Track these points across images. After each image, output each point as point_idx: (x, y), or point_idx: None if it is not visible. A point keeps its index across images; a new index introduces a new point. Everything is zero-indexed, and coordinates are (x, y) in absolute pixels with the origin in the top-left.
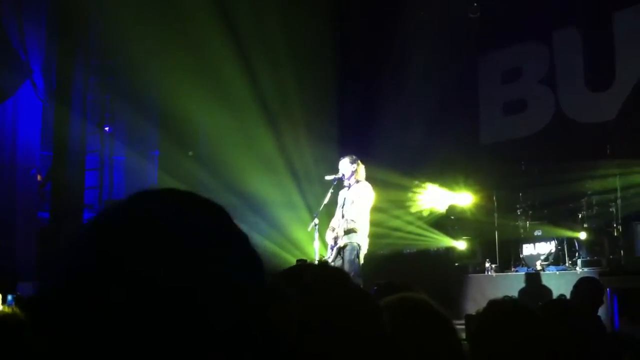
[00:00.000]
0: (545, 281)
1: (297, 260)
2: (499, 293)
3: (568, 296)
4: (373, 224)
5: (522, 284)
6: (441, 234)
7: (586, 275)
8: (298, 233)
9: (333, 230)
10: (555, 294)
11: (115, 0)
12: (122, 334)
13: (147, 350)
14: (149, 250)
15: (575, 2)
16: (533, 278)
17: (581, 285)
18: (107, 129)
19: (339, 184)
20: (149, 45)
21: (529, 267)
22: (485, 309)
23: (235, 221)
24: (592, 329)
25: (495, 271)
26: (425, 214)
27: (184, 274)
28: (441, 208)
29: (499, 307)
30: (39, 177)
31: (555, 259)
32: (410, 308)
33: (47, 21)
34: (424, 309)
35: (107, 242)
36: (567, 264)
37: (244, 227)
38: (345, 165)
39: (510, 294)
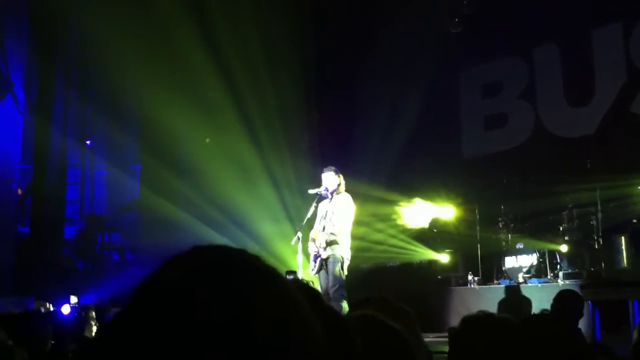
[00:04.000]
0: (527, 293)
1: (286, 272)
2: (481, 305)
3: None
4: (356, 237)
5: (504, 297)
6: (424, 247)
7: (568, 287)
8: (281, 246)
9: (314, 241)
10: (537, 306)
11: (95, 14)
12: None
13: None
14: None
15: (554, 19)
16: (513, 290)
17: (560, 297)
18: (88, 142)
19: (321, 197)
20: (129, 58)
21: (511, 280)
22: (460, 324)
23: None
24: (572, 342)
25: (478, 284)
26: (407, 227)
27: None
28: (424, 221)
29: (474, 323)
30: (19, 191)
31: (537, 272)
32: (364, 326)
33: (28, 34)
34: (379, 327)
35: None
36: (549, 276)
37: (228, 242)
38: (331, 179)
39: (492, 306)
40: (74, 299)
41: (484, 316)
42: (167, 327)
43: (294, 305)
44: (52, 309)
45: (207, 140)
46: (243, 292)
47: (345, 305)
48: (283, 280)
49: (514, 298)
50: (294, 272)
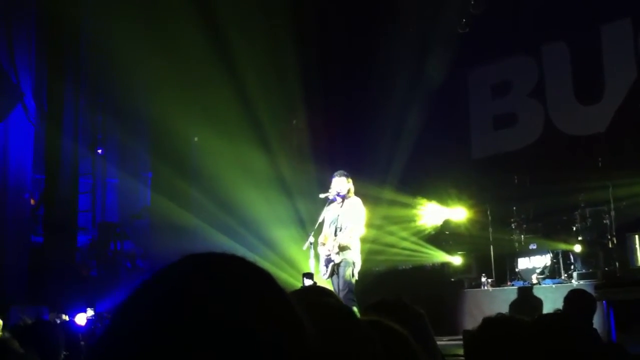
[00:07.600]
0: (542, 294)
1: (303, 275)
2: (495, 307)
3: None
4: (368, 240)
5: (518, 298)
6: (436, 249)
7: (582, 287)
8: (293, 251)
9: (323, 245)
10: (552, 307)
11: (105, 23)
12: None
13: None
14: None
15: (562, 16)
16: (527, 291)
17: (570, 298)
18: (99, 151)
19: (331, 200)
20: (139, 66)
21: (525, 281)
22: (479, 327)
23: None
24: (587, 342)
25: (492, 285)
26: (419, 229)
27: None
28: (436, 223)
29: (493, 326)
30: (32, 201)
31: (551, 272)
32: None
33: (38, 44)
34: (387, 333)
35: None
36: (563, 277)
37: (240, 248)
38: (342, 183)
39: (506, 308)
40: (90, 312)
41: (502, 319)
42: (159, 324)
43: (284, 306)
44: (67, 319)
45: (195, 139)
46: (234, 290)
47: (355, 310)
48: (275, 283)
49: (528, 299)
50: (311, 275)
